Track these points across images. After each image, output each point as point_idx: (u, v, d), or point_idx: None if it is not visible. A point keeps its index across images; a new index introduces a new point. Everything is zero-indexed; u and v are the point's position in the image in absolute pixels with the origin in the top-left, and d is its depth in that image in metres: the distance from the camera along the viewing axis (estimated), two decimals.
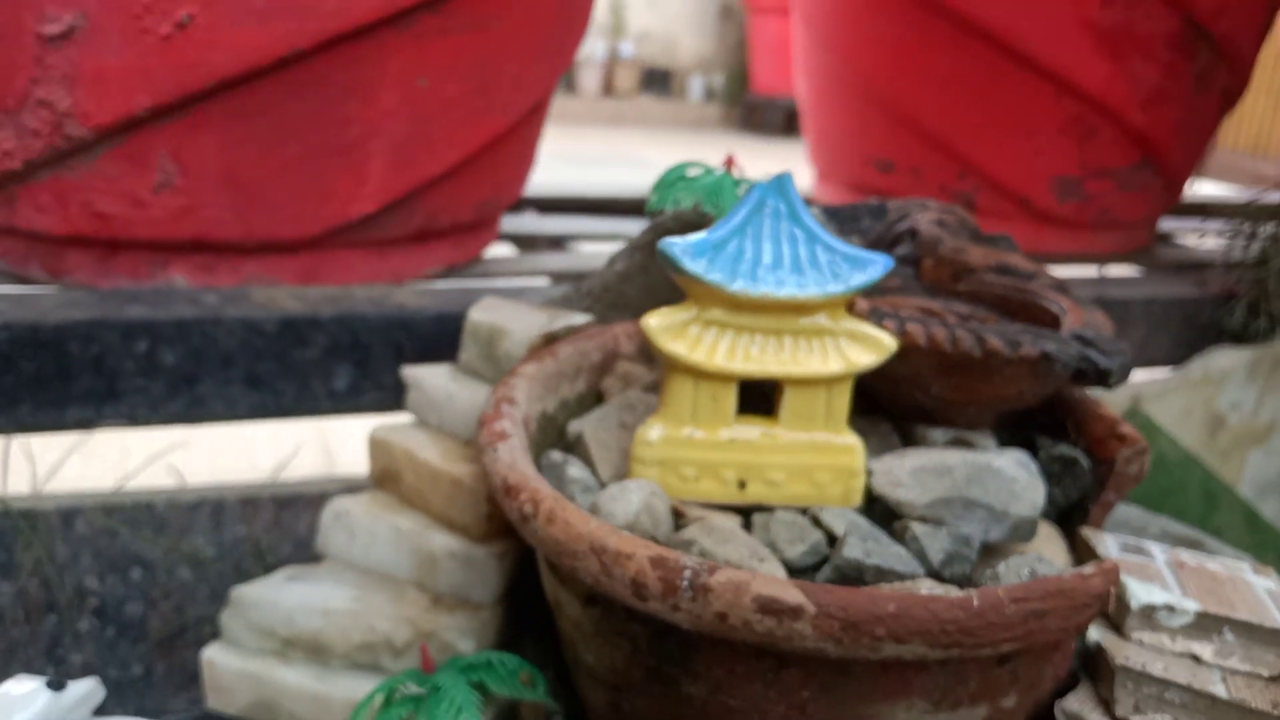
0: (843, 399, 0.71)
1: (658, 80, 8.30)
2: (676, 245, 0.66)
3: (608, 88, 8.89)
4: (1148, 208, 1.52)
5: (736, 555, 0.63)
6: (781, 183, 0.68)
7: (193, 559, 0.99)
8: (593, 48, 8.14)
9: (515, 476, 0.66)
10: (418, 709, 0.66)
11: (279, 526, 1.01)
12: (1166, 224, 1.78)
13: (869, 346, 0.69)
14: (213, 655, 0.79)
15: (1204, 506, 1.35)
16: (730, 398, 0.70)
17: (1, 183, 0.97)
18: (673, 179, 0.89)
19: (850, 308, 0.72)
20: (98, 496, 0.96)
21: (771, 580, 0.57)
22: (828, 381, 0.70)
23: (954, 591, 0.60)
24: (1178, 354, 1.40)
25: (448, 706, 0.64)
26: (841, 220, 0.99)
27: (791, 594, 0.56)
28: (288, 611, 0.78)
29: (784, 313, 0.68)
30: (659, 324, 0.68)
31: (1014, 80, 1.37)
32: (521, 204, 1.55)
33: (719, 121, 7.63)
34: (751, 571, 0.58)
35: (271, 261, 1.04)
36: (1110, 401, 1.30)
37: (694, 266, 0.66)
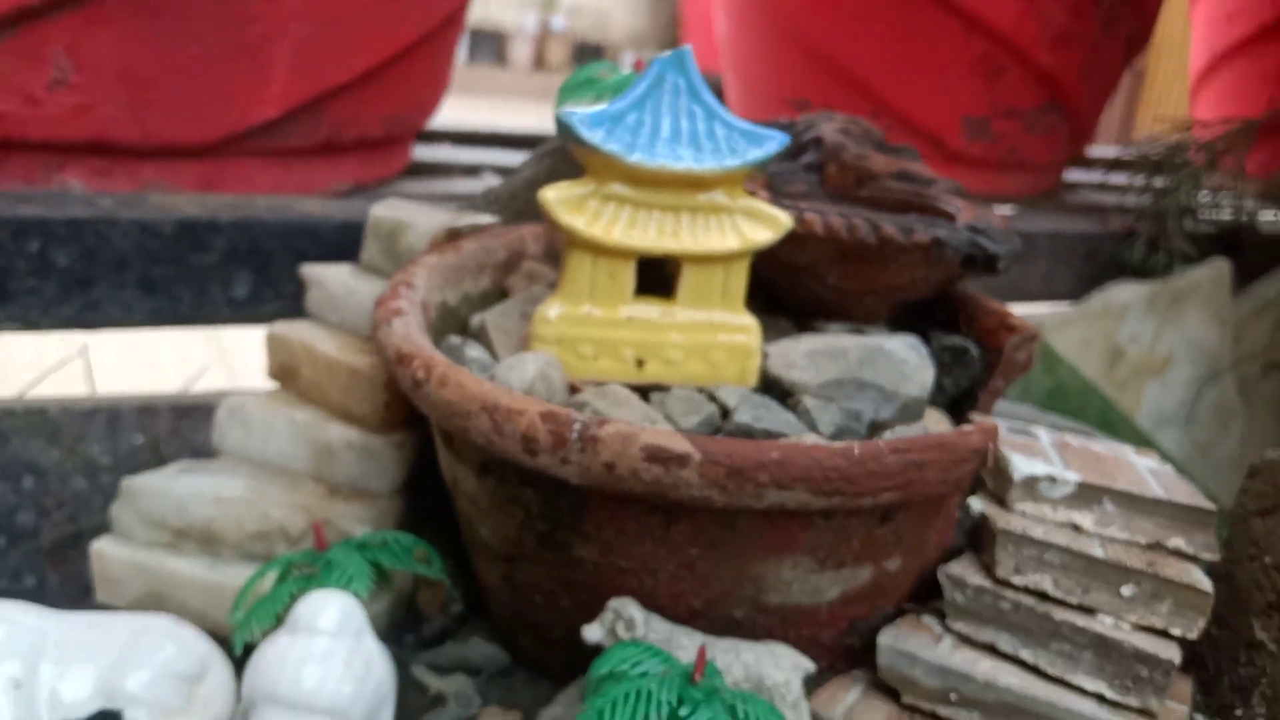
0: (739, 278, 0.72)
1: (590, 55, 8.27)
2: (575, 115, 0.66)
3: (539, 61, 8.82)
4: (1054, 151, 1.56)
5: (629, 418, 0.63)
6: (681, 58, 0.69)
7: (88, 467, 0.96)
8: (524, 21, 8.06)
9: (408, 346, 0.66)
10: (309, 585, 0.65)
11: (178, 436, 0.99)
12: (1074, 175, 1.83)
13: (765, 224, 0.70)
14: (102, 547, 0.77)
15: (1102, 433, 1.40)
16: (628, 275, 0.70)
17: None
18: (580, 80, 0.89)
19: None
20: None
21: (658, 431, 0.58)
22: (725, 259, 0.70)
23: None
24: (1080, 289, 1.44)
25: (339, 576, 0.64)
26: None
27: (678, 443, 0.57)
28: (179, 500, 0.76)
29: (681, 188, 0.68)
30: (557, 197, 0.68)
31: (925, 17, 1.39)
32: (437, 137, 1.53)
33: None
34: (640, 425, 0.58)
35: (171, 167, 1.02)
36: None
37: (591, 136, 0.66)
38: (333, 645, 0.57)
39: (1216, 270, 1.45)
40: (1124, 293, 1.40)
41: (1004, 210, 1.56)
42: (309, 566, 0.67)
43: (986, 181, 1.55)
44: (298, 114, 1.04)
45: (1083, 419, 1.38)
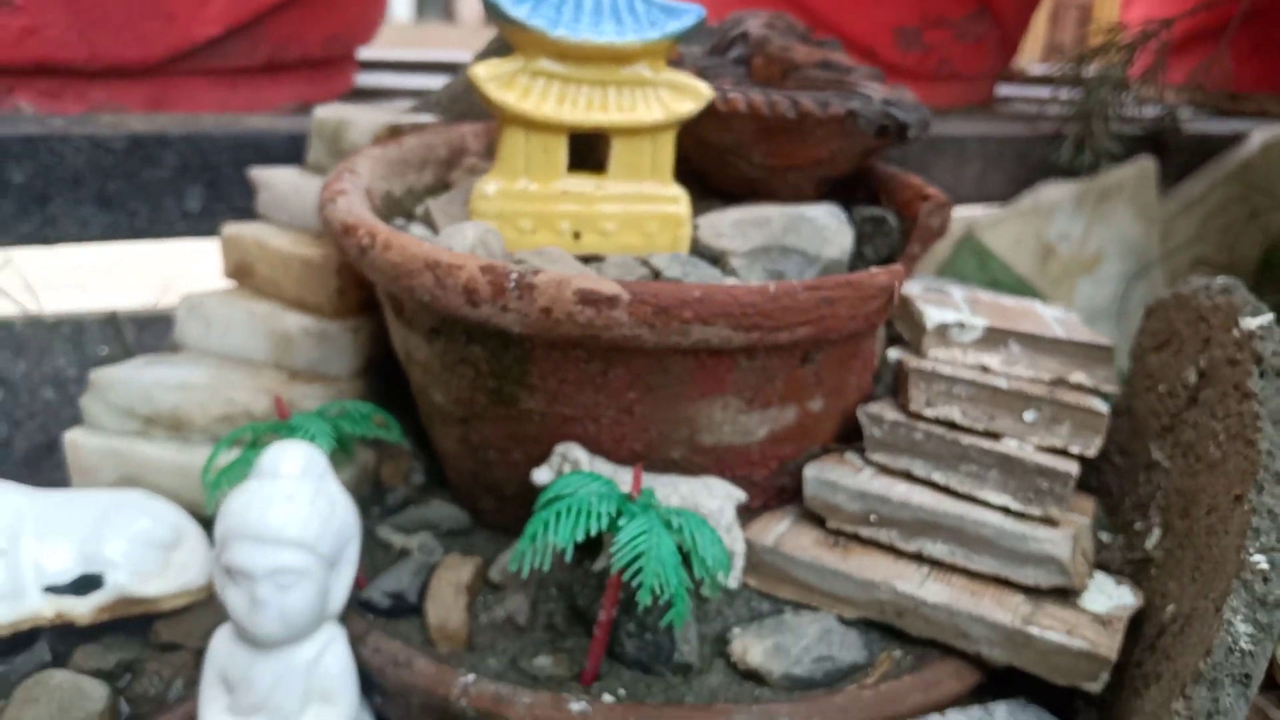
0: (667, 150, 0.76)
1: None
2: None
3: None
4: (985, 60, 1.60)
5: (567, 270, 0.68)
6: None
7: (55, 379, 0.99)
8: None
9: (353, 217, 0.70)
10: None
11: (141, 347, 1.02)
12: (1009, 91, 1.88)
13: (688, 95, 0.75)
14: (75, 437, 0.81)
15: None
16: (561, 149, 0.74)
17: None
18: None
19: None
20: None
21: (589, 276, 0.62)
22: (652, 130, 0.75)
23: None
24: (1012, 191, 1.50)
25: (302, 435, 0.68)
26: (701, 31, 1.04)
27: (608, 285, 0.62)
28: (146, 389, 0.80)
29: (605, 61, 0.72)
30: (487, 73, 0.72)
31: None
32: (379, 65, 1.55)
33: None
34: (572, 273, 0.63)
35: (118, 87, 1.04)
36: None
37: (517, 12, 0.69)
38: (297, 487, 0.61)
39: (1141, 169, 1.51)
40: (1053, 192, 1.46)
41: (950, 119, 1.61)
42: (273, 435, 0.72)
43: (921, 92, 1.59)
44: (238, 32, 1.06)
45: None
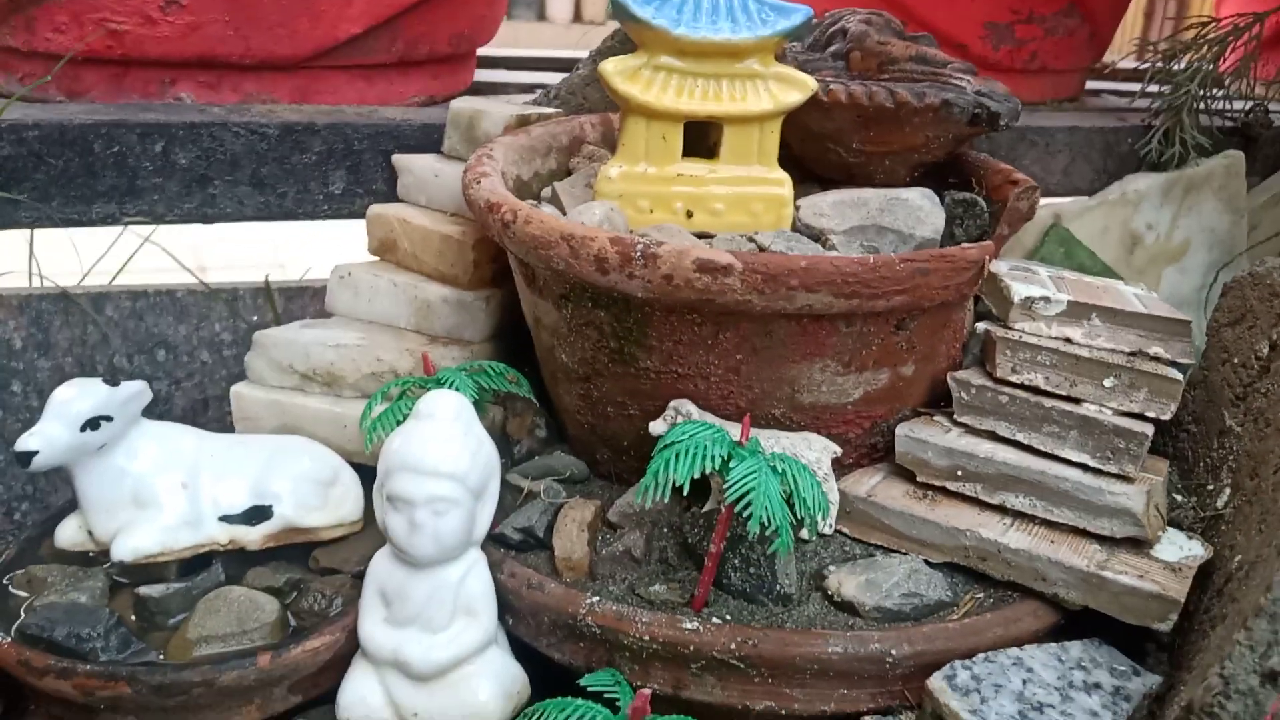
0: (773, 137, 0.84)
1: None
2: None
3: (577, 14, 8.88)
4: (1076, 55, 1.64)
5: (686, 243, 0.76)
6: None
7: (211, 343, 1.11)
8: None
9: (496, 196, 0.79)
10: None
11: (289, 315, 1.13)
12: (1098, 84, 1.90)
13: (794, 86, 0.82)
14: (240, 389, 0.92)
15: None
16: (678, 137, 0.82)
17: (21, 4, 1.07)
18: None
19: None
20: (126, 285, 1.08)
21: (706, 248, 0.70)
22: (760, 119, 0.82)
23: None
24: (1099, 182, 1.53)
25: (449, 387, 0.78)
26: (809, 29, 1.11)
27: (723, 256, 0.69)
28: (304, 348, 0.90)
29: (721, 57, 0.80)
30: (614, 68, 0.80)
31: None
32: (494, 61, 1.65)
33: None
34: (692, 244, 0.71)
35: (269, 80, 1.15)
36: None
37: (642, 12, 0.78)
38: (450, 428, 0.71)
39: (1230, 161, 1.53)
40: (1140, 182, 1.49)
41: (1040, 111, 1.64)
42: (420, 388, 0.81)
43: (1011, 87, 1.63)
44: (376, 30, 1.17)
45: None
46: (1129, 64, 2.05)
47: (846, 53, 1.05)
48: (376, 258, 1.00)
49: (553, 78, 1.57)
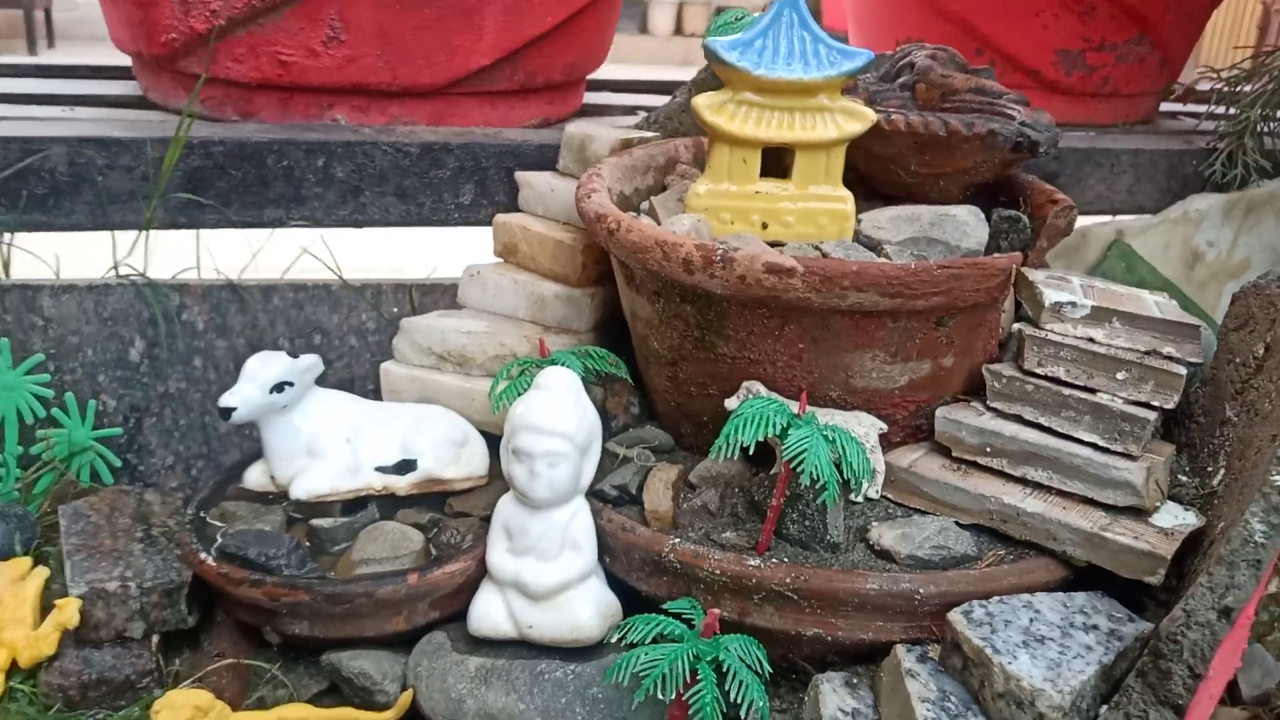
0: (838, 161, 0.98)
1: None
2: (718, 42, 0.94)
3: (679, 27, 9.06)
4: (1146, 80, 1.73)
5: (758, 249, 0.91)
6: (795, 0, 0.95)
7: (359, 330, 1.30)
8: None
9: (603, 209, 0.95)
10: None
11: (422, 308, 1.31)
12: (1171, 108, 1.98)
13: (856, 118, 0.96)
14: (389, 366, 1.10)
15: None
16: (756, 160, 0.98)
17: (209, 37, 1.27)
18: (724, 22, 1.16)
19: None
20: (290, 279, 1.27)
21: (775, 253, 0.85)
22: (827, 146, 0.97)
23: None
24: (1162, 201, 1.62)
25: (561, 364, 0.94)
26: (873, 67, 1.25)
27: (788, 260, 0.84)
28: (442, 333, 1.08)
29: (794, 93, 0.95)
30: (705, 102, 0.96)
31: None
32: (600, 84, 1.82)
33: None
34: (762, 249, 0.86)
35: (410, 105, 1.34)
36: (1094, 234, 1.53)
37: (729, 56, 0.93)
38: (563, 396, 0.87)
39: None
40: (1202, 201, 1.58)
41: (1109, 133, 1.74)
42: (537, 368, 0.98)
43: (1084, 109, 1.74)
44: (502, 62, 1.35)
45: None
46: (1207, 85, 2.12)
47: (913, 84, 1.18)
48: (500, 259, 1.18)
49: (651, 99, 1.74)
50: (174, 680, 0.91)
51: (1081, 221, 1.54)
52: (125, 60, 1.51)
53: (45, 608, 0.92)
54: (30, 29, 6.84)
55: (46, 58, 6.55)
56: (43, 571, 0.94)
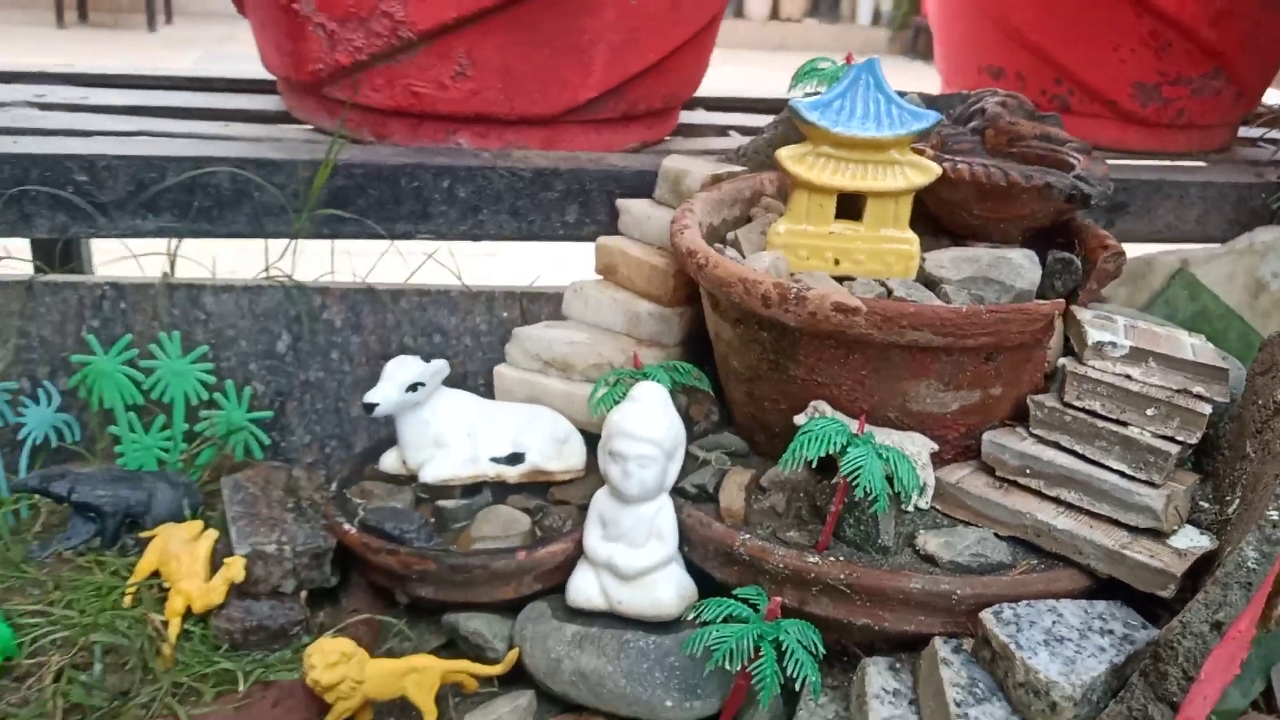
0: (906, 207, 1.10)
1: (826, 4, 8.40)
2: (801, 103, 1.07)
3: (775, 12, 9.08)
4: (1221, 112, 1.79)
5: (828, 289, 1.04)
6: (871, 64, 1.08)
7: (473, 331, 1.46)
8: None
9: (695, 245, 1.09)
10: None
11: (528, 316, 1.46)
12: (1251, 133, 2.02)
13: (923, 171, 1.08)
14: (501, 369, 1.26)
15: (1242, 352, 1.65)
16: (831, 205, 1.10)
17: (351, 70, 1.44)
18: (807, 69, 1.28)
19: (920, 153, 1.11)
20: (415, 285, 1.44)
21: (843, 292, 0.98)
22: (895, 194, 1.09)
23: None
24: (1231, 233, 1.69)
25: (651, 377, 1.09)
26: (939, 107, 1.36)
27: (853, 300, 0.97)
28: (548, 341, 1.24)
29: (867, 149, 1.07)
30: (788, 154, 1.09)
31: None
32: (694, 102, 1.95)
33: (885, 46, 7.69)
34: (832, 289, 0.99)
35: (525, 132, 1.49)
36: (1160, 262, 1.61)
37: (811, 116, 1.06)
38: (653, 407, 1.02)
39: None
40: (1269, 234, 1.64)
41: (1191, 162, 1.81)
42: (631, 378, 1.12)
43: (1159, 139, 1.81)
44: (607, 95, 1.49)
45: (1222, 342, 1.63)
46: None
47: (983, 129, 1.29)
48: (600, 277, 1.33)
49: (742, 118, 1.86)
50: (319, 630, 1.08)
51: (1149, 249, 1.62)
52: (263, 71, 1.69)
53: (214, 564, 1.10)
54: (150, 5, 7.19)
55: (165, 33, 6.91)
56: (213, 534, 1.12)
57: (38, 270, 1.40)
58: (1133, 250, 1.28)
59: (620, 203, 1.33)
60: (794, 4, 8.91)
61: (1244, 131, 1.96)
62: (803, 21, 8.58)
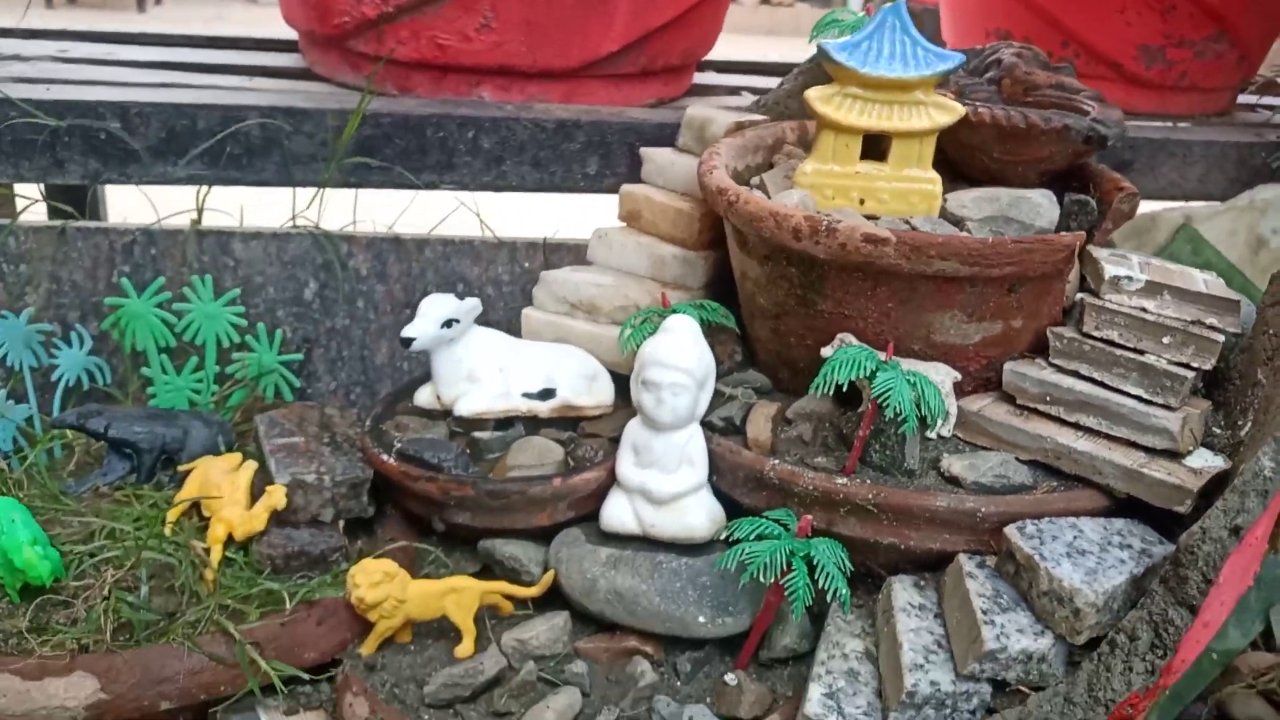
0: (929, 147, 1.13)
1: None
2: (829, 44, 1.10)
3: None
4: (1223, 75, 1.83)
5: (858, 221, 1.07)
6: (898, 8, 1.11)
7: (495, 281, 1.48)
8: None
9: (725, 183, 1.12)
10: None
11: (550, 264, 1.49)
12: (1250, 100, 2.06)
13: (947, 111, 1.12)
14: (529, 312, 1.29)
15: None
16: (857, 145, 1.14)
17: (377, 23, 1.46)
18: (828, 20, 1.31)
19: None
20: (439, 235, 1.47)
21: (871, 225, 1.02)
22: (919, 134, 1.12)
23: None
24: (1231, 190, 1.72)
25: (680, 313, 1.12)
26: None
27: (883, 231, 1.00)
28: (575, 285, 1.27)
29: (893, 89, 1.10)
30: (816, 94, 1.12)
31: None
32: (705, 65, 1.98)
33: None
34: (861, 220, 1.02)
35: (546, 85, 1.52)
36: (1164, 219, 1.64)
37: (839, 56, 1.09)
38: (685, 338, 1.05)
39: None
40: (1269, 191, 1.68)
41: (1183, 125, 1.85)
42: (660, 317, 1.15)
43: (1162, 101, 1.85)
44: (628, 48, 1.52)
45: None
46: None
47: (999, 79, 1.32)
48: (624, 224, 1.35)
49: (753, 79, 1.89)
50: (357, 557, 1.11)
51: (1153, 207, 1.66)
52: (280, 33, 1.71)
53: (253, 494, 1.12)
54: None
55: (154, 13, 6.89)
56: (252, 464, 1.15)
57: (61, 215, 1.42)
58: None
59: (644, 151, 1.36)
60: None
61: (1243, 99, 2.00)
62: (794, 6, 8.62)
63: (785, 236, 1.05)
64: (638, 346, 1.11)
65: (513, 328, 1.31)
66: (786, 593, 0.95)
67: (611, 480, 1.09)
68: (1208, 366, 1.02)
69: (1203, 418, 1.03)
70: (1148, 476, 0.96)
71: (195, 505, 1.13)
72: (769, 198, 1.19)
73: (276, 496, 1.09)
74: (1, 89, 1.34)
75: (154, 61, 1.63)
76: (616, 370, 1.21)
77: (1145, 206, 1.65)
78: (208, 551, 1.08)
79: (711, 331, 1.24)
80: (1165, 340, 1.03)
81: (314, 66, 1.64)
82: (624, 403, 1.15)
